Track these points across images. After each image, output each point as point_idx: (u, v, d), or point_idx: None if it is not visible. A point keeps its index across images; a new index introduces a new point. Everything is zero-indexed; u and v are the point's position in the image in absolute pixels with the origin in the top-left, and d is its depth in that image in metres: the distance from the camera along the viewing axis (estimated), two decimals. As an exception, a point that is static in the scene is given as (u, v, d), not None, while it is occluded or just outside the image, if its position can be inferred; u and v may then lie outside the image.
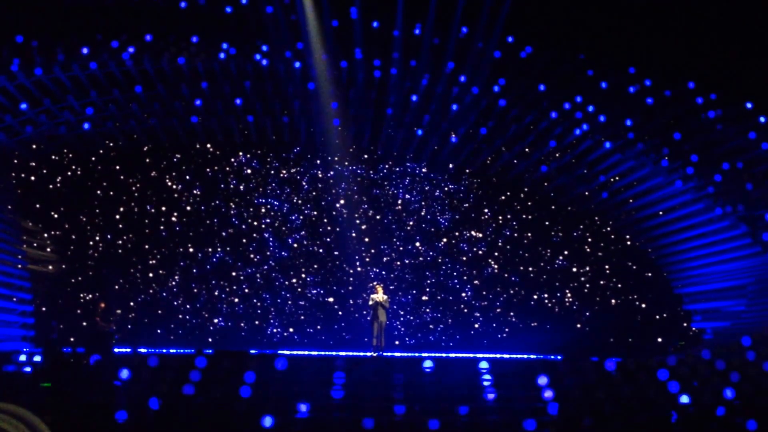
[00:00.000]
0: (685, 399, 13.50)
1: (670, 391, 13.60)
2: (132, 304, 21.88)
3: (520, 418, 12.58)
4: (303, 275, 23.01)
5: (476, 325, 23.06)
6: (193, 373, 13.21)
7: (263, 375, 13.16)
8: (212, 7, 20.66)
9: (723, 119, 20.20)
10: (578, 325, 22.83)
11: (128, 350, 17.48)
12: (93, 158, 22.46)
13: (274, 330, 22.48)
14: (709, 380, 14.11)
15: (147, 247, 22.38)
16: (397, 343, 22.24)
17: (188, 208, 22.82)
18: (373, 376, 13.93)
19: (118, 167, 22.61)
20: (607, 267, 23.53)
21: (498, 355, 19.19)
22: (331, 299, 22.88)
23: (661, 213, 21.38)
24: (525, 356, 19.28)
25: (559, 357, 17.81)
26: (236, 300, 22.50)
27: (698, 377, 14.16)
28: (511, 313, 23.12)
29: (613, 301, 23.20)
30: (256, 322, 22.47)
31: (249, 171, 23.41)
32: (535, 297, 23.31)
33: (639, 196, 21.92)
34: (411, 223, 23.62)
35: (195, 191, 22.95)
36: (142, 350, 17.69)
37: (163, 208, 22.71)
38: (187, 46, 20.37)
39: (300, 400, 12.54)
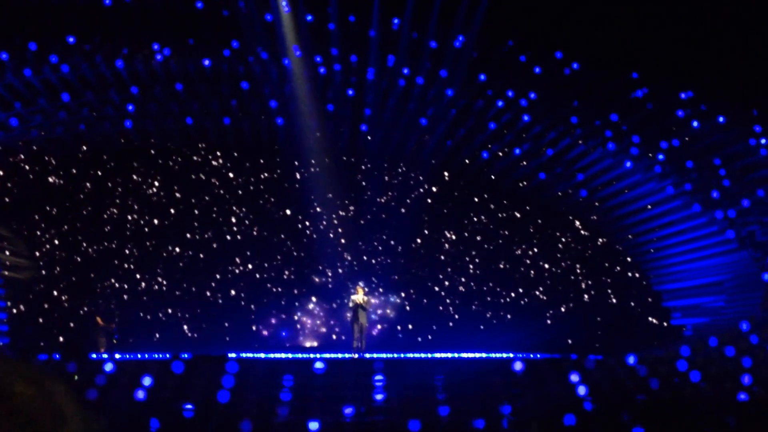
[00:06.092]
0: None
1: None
2: (113, 307, 21.59)
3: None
4: (283, 277, 22.85)
5: (455, 325, 23.01)
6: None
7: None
8: (186, 8, 20.48)
9: (699, 116, 20.29)
10: (562, 323, 22.85)
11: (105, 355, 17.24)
12: (66, 162, 22.15)
13: (256, 332, 22.31)
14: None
15: (126, 251, 22.10)
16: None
17: (159, 209, 22.58)
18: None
19: (91, 171, 22.32)
20: (587, 265, 23.57)
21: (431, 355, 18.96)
22: (311, 305, 22.74)
23: (649, 207, 21.30)
24: (502, 355, 19.19)
25: (538, 355, 17.81)
26: (218, 303, 22.30)
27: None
28: (491, 312, 23.10)
29: (589, 297, 23.24)
30: (237, 326, 22.27)
31: (227, 173, 23.21)
32: (514, 295, 23.31)
33: (617, 194, 21.96)
34: (389, 223, 23.52)
35: (172, 194, 22.71)
36: (117, 356, 17.43)
37: (132, 215, 22.38)
38: (162, 48, 20.12)
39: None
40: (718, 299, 18.97)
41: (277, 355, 18.57)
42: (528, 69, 21.18)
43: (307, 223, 23.23)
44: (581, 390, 13.30)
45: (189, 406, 12.44)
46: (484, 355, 18.92)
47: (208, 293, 22.35)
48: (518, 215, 23.93)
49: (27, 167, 21.86)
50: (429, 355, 18.74)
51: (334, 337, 22.50)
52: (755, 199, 18.54)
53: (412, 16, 20.40)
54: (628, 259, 23.27)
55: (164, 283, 22.17)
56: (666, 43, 19.98)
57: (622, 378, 14.09)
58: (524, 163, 22.55)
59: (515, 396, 13.21)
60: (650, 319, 22.46)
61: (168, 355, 15.79)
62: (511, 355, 18.63)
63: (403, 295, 23.23)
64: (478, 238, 23.77)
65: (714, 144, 20.10)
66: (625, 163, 20.60)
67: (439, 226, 23.83)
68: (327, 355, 18.29)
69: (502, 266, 23.58)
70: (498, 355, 19.06)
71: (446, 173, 23.90)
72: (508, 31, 21.07)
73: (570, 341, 22.12)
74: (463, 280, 23.49)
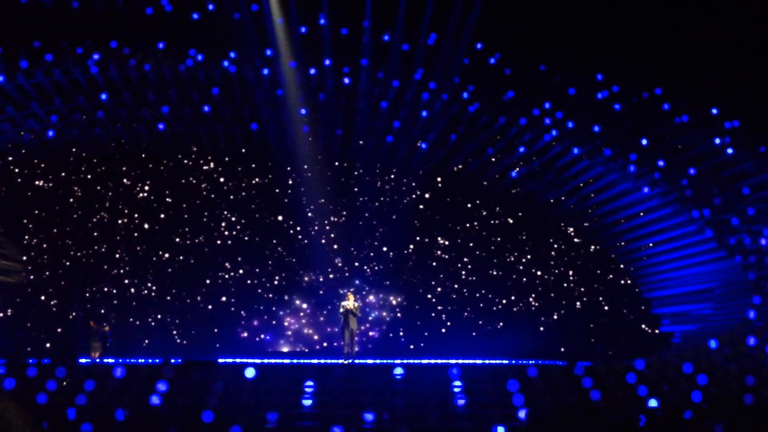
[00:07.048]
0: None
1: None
2: (105, 311, 21.60)
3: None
4: (274, 282, 22.84)
5: (447, 331, 22.98)
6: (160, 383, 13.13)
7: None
8: (180, 13, 20.50)
9: (690, 125, 20.30)
10: (555, 330, 22.84)
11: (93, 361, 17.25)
12: (56, 165, 22.16)
13: (245, 338, 22.29)
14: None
15: (116, 255, 22.09)
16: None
17: (149, 214, 22.59)
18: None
19: (82, 176, 22.33)
20: (579, 272, 23.55)
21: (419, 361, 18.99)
22: (301, 311, 22.73)
23: (642, 214, 21.30)
24: (496, 362, 19.18)
25: (531, 361, 17.76)
26: (208, 308, 22.28)
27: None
28: (484, 319, 23.08)
29: (582, 304, 23.22)
30: (227, 332, 22.26)
31: (219, 178, 23.21)
32: (506, 302, 23.28)
33: (607, 202, 21.96)
34: (381, 229, 23.52)
35: (163, 198, 22.72)
36: (109, 360, 17.46)
37: (122, 219, 22.38)
38: (154, 53, 20.15)
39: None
40: (706, 306, 18.98)
41: (269, 361, 18.57)
42: (520, 77, 21.22)
43: (299, 229, 23.24)
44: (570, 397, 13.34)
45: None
46: (478, 361, 18.94)
47: (199, 298, 22.33)
48: (511, 222, 23.93)
49: (17, 170, 21.88)
50: (420, 361, 18.74)
51: (325, 343, 22.48)
52: (744, 208, 18.55)
53: (404, 23, 20.44)
54: (621, 266, 23.26)
55: (154, 288, 22.15)
56: (660, 52, 20.04)
57: (611, 385, 14.06)
58: (516, 169, 22.55)
59: (504, 404, 13.19)
60: (642, 326, 22.44)
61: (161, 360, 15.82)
62: (505, 361, 18.68)
63: (395, 301, 23.21)
64: (471, 244, 23.75)
65: (706, 153, 20.11)
66: (618, 171, 20.64)
67: (432, 232, 23.82)
68: (317, 361, 18.32)
69: (494, 273, 23.56)
70: (490, 361, 19.08)
71: (439, 179, 23.91)
72: (499, 39, 21.13)
73: (562, 348, 22.09)
74: (455, 286, 23.47)
